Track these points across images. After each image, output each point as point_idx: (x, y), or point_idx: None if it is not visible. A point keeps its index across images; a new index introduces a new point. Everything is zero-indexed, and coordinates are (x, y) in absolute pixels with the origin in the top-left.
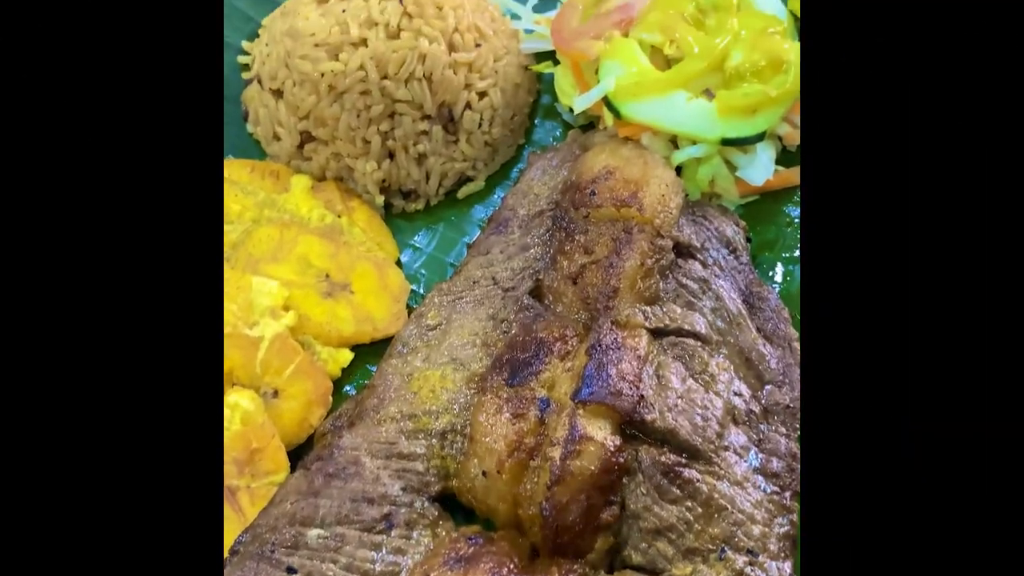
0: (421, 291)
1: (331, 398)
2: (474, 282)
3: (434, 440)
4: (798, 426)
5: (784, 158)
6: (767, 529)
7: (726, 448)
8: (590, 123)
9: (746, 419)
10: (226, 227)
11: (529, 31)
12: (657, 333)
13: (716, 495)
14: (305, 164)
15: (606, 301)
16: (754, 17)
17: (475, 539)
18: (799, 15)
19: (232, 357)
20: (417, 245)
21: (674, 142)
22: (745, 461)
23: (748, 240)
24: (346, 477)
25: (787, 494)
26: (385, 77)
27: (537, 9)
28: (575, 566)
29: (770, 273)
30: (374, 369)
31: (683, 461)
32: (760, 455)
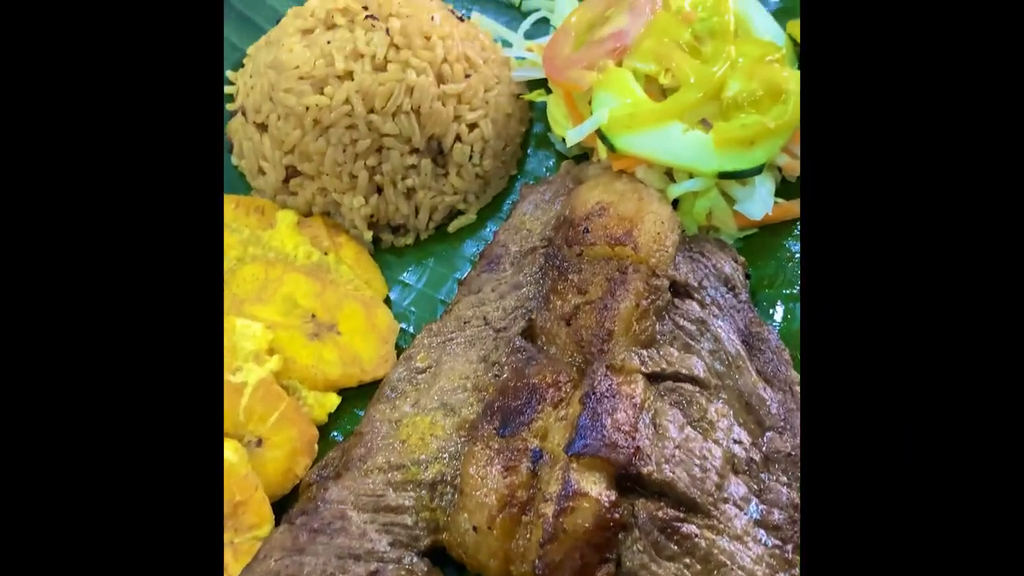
0: (411, 330)
1: (316, 446)
2: (465, 322)
3: (423, 491)
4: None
5: (784, 189)
6: None
7: (725, 500)
8: (584, 153)
9: (746, 468)
10: None
11: (521, 58)
12: (654, 378)
13: (715, 551)
14: (291, 199)
15: (600, 344)
16: (752, 44)
17: None
18: (799, 40)
19: None
20: (407, 282)
21: (670, 174)
22: (745, 514)
23: (747, 276)
24: (332, 532)
25: (789, 547)
26: (372, 111)
27: (529, 35)
28: None
29: (770, 311)
30: (362, 413)
31: (681, 515)
32: (761, 506)
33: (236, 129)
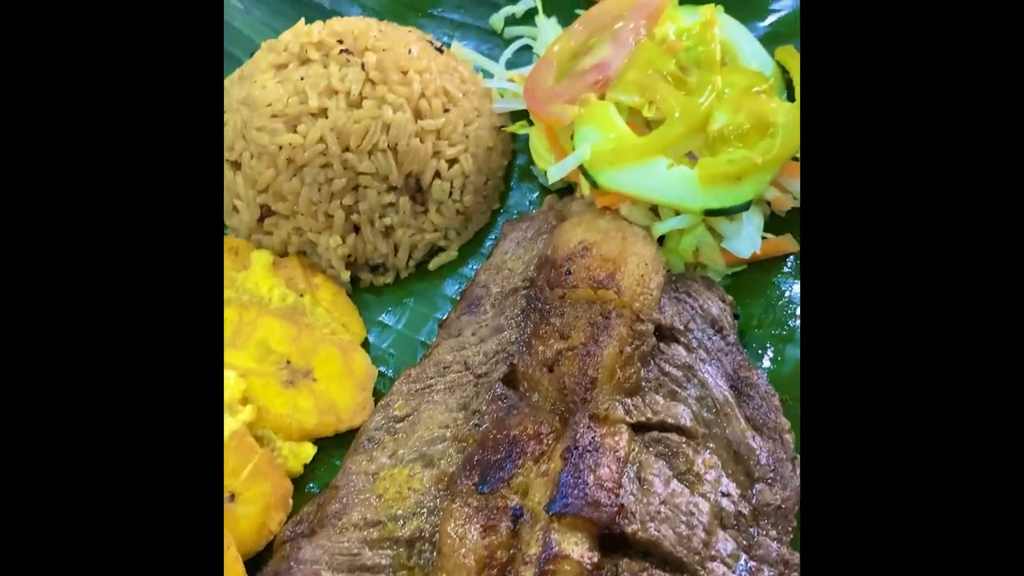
0: (390, 373)
1: (291, 500)
2: (445, 367)
3: (401, 549)
4: (790, 529)
5: (774, 224)
6: None
7: (713, 558)
8: (569, 186)
9: (734, 522)
10: None
11: (503, 89)
12: (639, 428)
13: None
14: (266, 238)
15: (583, 393)
16: (738, 74)
17: None
18: (787, 67)
19: None
20: (386, 323)
21: (655, 210)
22: (734, 572)
23: (735, 316)
24: None
25: None
26: (347, 149)
27: (512, 63)
28: None
29: (759, 352)
30: (339, 463)
31: None
32: (750, 563)
33: None
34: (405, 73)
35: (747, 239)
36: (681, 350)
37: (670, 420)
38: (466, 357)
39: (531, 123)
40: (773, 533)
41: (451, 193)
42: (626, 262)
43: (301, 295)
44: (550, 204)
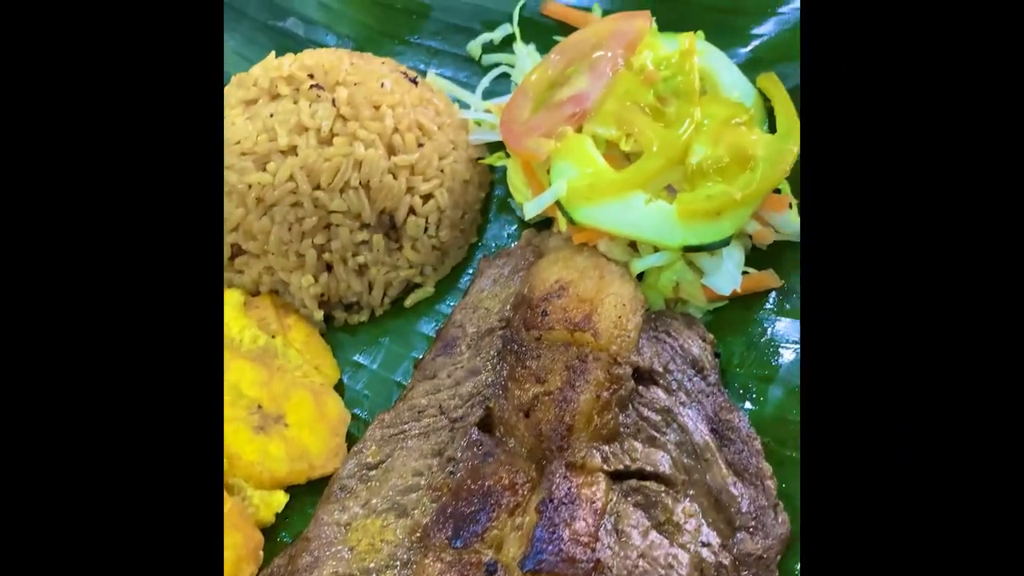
0: (364, 415)
1: (262, 552)
2: (419, 411)
3: None
4: None
5: (755, 258)
6: None
7: None
8: (548, 219)
9: (715, 574)
10: None
11: (480, 119)
12: (617, 476)
13: None
14: (237, 277)
15: (560, 440)
16: (718, 105)
17: None
18: (768, 95)
19: None
20: (361, 363)
21: (634, 246)
22: None
23: (716, 355)
24: None
25: None
26: (318, 187)
27: (489, 92)
28: None
29: (741, 392)
30: (312, 510)
31: None
32: None
33: None
34: (377, 108)
35: (727, 275)
36: (660, 393)
37: (649, 468)
38: (441, 400)
39: (508, 155)
40: None
41: (426, 229)
42: (603, 303)
43: (273, 336)
44: (527, 239)
